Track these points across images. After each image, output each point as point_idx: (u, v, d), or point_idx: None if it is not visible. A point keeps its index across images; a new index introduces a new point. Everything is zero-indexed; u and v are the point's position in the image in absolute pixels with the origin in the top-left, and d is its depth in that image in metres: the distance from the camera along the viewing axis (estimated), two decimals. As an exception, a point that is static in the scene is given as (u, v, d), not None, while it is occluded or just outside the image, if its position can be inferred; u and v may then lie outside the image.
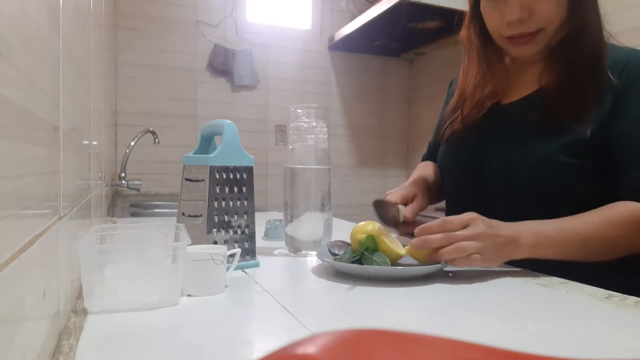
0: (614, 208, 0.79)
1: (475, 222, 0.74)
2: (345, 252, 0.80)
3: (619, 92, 0.81)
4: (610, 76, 0.82)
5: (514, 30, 0.85)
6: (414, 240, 0.75)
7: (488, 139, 0.92)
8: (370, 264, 0.75)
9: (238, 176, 0.82)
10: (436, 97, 3.07)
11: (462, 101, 0.98)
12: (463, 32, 0.98)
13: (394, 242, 0.80)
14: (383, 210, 0.95)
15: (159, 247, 0.68)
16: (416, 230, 0.76)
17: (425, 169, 1.14)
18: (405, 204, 0.96)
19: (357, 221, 0.88)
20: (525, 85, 0.92)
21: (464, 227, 0.74)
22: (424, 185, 1.04)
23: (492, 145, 0.91)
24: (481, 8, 0.90)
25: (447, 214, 1.02)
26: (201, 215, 0.79)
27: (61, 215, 0.51)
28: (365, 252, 0.76)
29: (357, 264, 0.76)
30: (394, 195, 0.98)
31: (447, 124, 1.02)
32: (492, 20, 0.88)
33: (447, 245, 0.73)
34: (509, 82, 0.95)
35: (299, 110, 0.95)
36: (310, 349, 0.24)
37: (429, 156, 1.21)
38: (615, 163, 0.81)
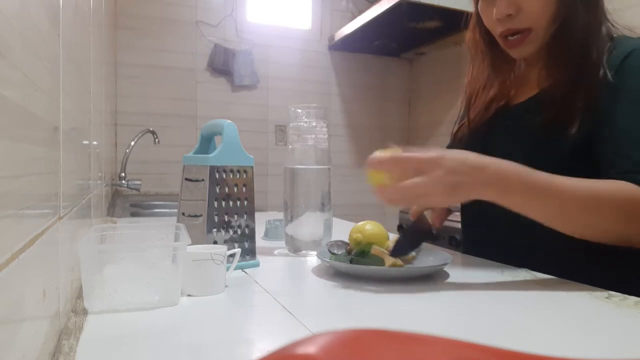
0: (611, 182, 0.72)
1: (431, 165, 0.68)
2: (342, 252, 0.80)
3: (613, 85, 0.78)
4: (607, 72, 0.79)
5: (504, 27, 0.86)
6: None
7: (491, 141, 0.93)
8: (364, 264, 0.75)
9: (238, 176, 0.83)
10: (436, 97, 3.07)
11: (469, 105, 0.98)
12: (469, 35, 0.98)
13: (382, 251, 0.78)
14: (416, 229, 0.88)
15: (159, 247, 0.68)
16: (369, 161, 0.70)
17: None
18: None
19: (357, 221, 0.88)
20: (530, 87, 0.92)
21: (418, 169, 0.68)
22: None
23: (493, 148, 0.91)
24: (479, 8, 0.91)
25: (462, 214, 1.01)
26: (201, 215, 0.79)
27: (61, 215, 0.51)
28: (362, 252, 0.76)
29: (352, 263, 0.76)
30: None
31: (457, 127, 1.02)
32: (487, 18, 0.89)
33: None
34: (516, 83, 0.95)
35: (299, 110, 0.95)
36: (310, 349, 0.24)
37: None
38: (604, 155, 0.77)
